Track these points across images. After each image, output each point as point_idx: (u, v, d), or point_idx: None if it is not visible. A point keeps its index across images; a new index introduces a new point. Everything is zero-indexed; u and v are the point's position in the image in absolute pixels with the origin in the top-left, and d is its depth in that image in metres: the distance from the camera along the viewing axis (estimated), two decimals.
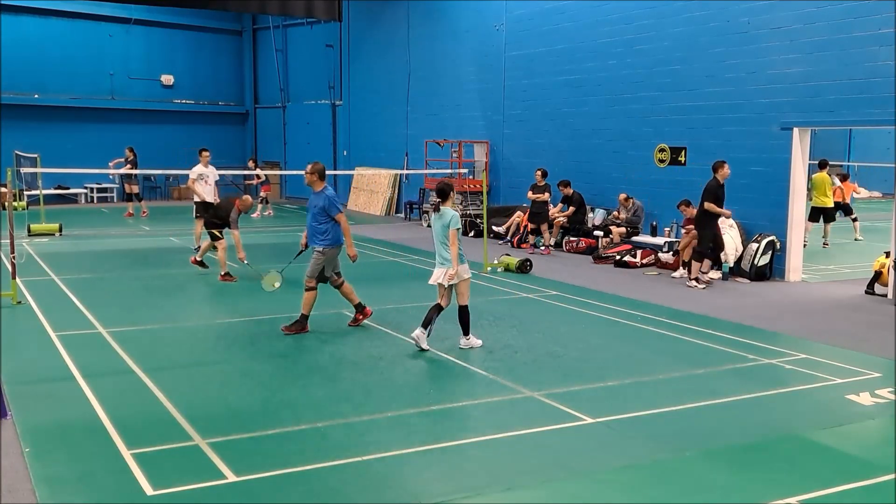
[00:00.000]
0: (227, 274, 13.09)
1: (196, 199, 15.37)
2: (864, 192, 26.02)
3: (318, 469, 5.56)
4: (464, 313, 8.76)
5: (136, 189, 23.82)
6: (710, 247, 12.90)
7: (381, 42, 25.99)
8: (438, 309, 8.77)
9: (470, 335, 8.84)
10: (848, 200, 19.82)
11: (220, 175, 16.24)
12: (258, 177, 24.43)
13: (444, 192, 8.76)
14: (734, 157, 14.52)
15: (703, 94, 15.12)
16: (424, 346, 8.67)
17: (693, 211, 13.80)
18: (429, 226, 21.53)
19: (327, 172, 9.60)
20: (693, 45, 15.30)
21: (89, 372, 7.75)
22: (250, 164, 24.76)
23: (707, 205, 12.60)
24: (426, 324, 8.70)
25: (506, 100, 20.51)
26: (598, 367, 8.21)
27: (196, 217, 15.31)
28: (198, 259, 13.71)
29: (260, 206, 24.27)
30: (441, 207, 8.69)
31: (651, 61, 16.20)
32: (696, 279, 12.86)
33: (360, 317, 9.93)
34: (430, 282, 8.82)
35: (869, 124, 13.86)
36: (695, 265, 12.94)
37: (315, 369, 8.10)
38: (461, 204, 20.53)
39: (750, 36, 14.20)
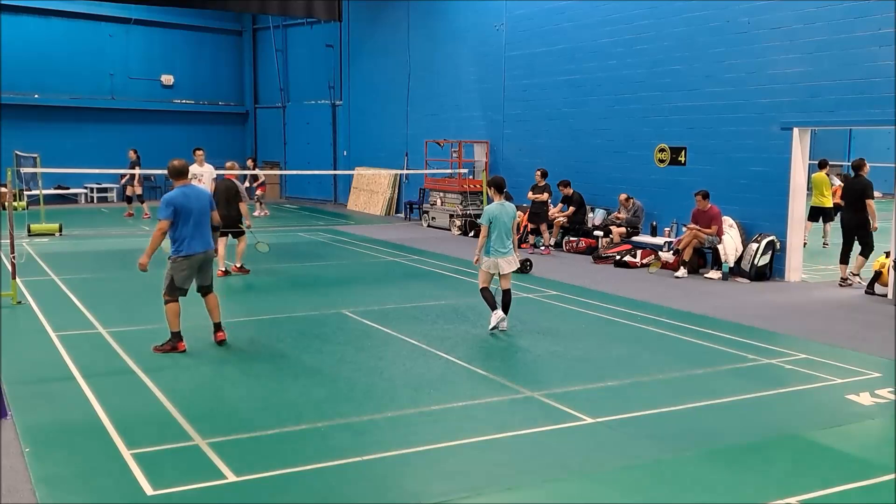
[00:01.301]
0: (226, 272, 13.15)
1: None
2: None
3: (318, 469, 5.56)
4: (510, 295, 9.69)
5: (138, 191, 23.81)
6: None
7: (381, 42, 25.99)
8: (488, 290, 9.54)
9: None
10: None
11: (218, 174, 16.11)
12: (256, 177, 24.45)
13: (503, 185, 9.66)
14: (734, 157, 14.56)
15: (703, 94, 15.12)
16: (503, 325, 9.49)
17: (708, 204, 13.73)
18: (429, 226, 21.73)
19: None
20: (693, 45, 15.30)
21: (89, 372, 7.75)
22: (249, 163, 24.79)
23: (870, 203, 12.73)
24: (495, 306, 9.43)
25: (506, 100, 20.51)
26: (598, 367, 8.21)
27: None
28: (238, 266, 13.42)
29: (258, 206, 24.31)
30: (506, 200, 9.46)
31: (651, 61, 16.20)
32: (853, 275, 12.94)
33: (168, 347, 8.67)
34: (504, 271, 9.46)
35: (869, 124, 13.85)
36: (856, 262, 12.94)
37: (315, 369, 8.09)
38: (461, 204, 20.57)
39: (750, 36, 14.20)
